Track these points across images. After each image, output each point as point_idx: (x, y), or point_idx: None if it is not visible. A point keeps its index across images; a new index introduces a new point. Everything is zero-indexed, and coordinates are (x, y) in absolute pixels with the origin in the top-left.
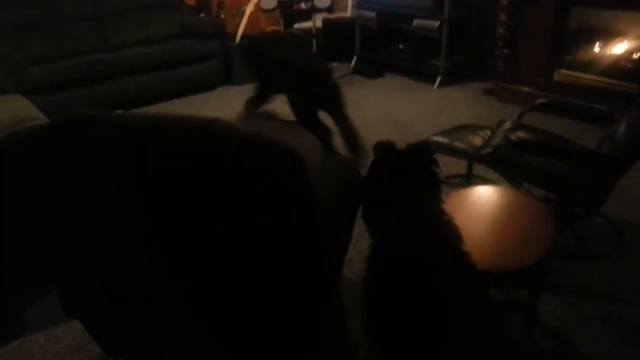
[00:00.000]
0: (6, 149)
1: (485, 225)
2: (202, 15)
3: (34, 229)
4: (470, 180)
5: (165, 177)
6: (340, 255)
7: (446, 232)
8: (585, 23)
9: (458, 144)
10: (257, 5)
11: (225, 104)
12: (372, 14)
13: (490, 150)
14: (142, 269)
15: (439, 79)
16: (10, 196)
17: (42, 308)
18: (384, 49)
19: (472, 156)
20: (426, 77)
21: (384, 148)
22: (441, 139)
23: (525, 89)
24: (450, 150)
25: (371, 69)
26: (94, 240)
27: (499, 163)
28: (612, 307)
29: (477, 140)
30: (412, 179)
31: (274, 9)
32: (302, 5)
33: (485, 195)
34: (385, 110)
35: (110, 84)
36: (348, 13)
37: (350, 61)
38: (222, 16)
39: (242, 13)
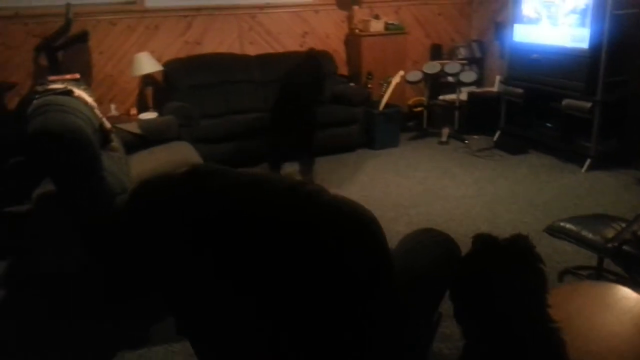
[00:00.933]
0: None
1: (584, 326)
2: (351, 84)
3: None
4: (600, 274)
5: (257, 231)
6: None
7: (550, 343)
8: None
9: (585, 233)
10: (403, 78)
11: (363, 165)
12: (520, 91)
13: (616, 244)
14: (235, 310)
15: (588, 161)
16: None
17: (166, 325)
18: (529, 125)
19: (597, 248)
20: (574, 158)
21: (484, 241)
22: (569, 226)
23: None
24: (576, 239)
25: (515, 144)
26: (196, 278)
27: (625, 259)
28: None
29: (609, 232)
30: (514, 278)
31: (419, 81)
32: (449, 79)
33: (600, 294)
34: (521, 188)
35: (264, 139)
36: (495, 87)
37: (493, 135)
38: (370, 86)
39: (389, 84)
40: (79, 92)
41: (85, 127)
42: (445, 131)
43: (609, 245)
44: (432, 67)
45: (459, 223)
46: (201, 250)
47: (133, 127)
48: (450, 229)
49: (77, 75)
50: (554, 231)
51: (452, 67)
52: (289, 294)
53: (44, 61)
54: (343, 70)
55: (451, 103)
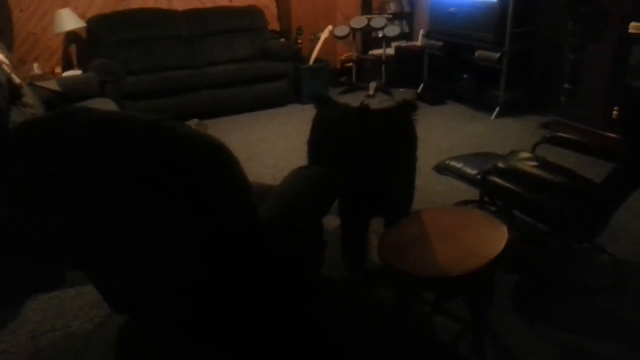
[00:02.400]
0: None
1: (437, 238)
2: (282, 40)
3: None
4: (482, 207)
5: (117, 164)
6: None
7: None
8: None
9: (465, 169)
10: (332, 33)
11: (291, 119)
12: (440, 44)
13: (480, 175)
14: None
15: (497, 109)
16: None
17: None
18: (449, 77)
19: (470, 180)
20: (486, 107)
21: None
22: (453, 163)
23: (582, 126)
24: (457, 175)
25: (435, 96)
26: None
27: (488, 188)
28: (578, 340)
29: (486, 167)
30: None
31: (347, 36)
32: (379, 35)
33: (447, 213)
34: (432, 136)
35: (193, 96)
36: (419, 42)
37: (417, 87)
38: (300, 41)
39: (318, 39)
40: None
41: None
42: (373, 85)
43: (478, 177)
44: (359, 22)
45: None
46: (64, 184)
47: (52, 85)
48: None
49: None
50: (440, 169)
51: (378, 21)
52: (149, 224)
53: None
54: (275, 26)
55: (379, 58)
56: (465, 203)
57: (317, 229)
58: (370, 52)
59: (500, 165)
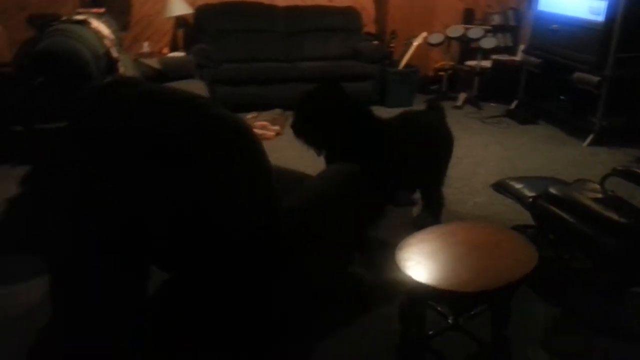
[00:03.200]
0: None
1: (460, 252)
2: (375, 42)
3: None
4: (539, 234)
5: (152, 135)
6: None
7: None
8: None
9: (522, 190)
10: (426, 39)
11: None
12: (538, 61)
13: (531, 198)
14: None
15: (591, 136)
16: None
17: None
18: (544, 96)
19: (523, 203)
20: (579, 132)
21: None
22: (512, 183)
23: None
24: (512, 195)
25: (526, 115)
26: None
27: (537, 213)
28: None
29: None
30: None
31: (440, 44)
32: (479, 44)
33: (478, 229)
34: (510, 154)
35: (280, 87)
36: (518, 57)
37: (511, 104)
38: (392, 45)
39: (410, 44)
40: (97, 24)
41: (84, 50)
42: (462, 96)
43: (529, 199)
44: (455, 30)
45: None
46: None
47: (153, 62)
48: None
49: (102, 10)
50: (499, 187)
51: (475, 32)
52: (173, 192)
53: None
54: (371, 28)
55: (474, 69)
56: (524, 227)
57: (347, 229)
58: (467, 63)
59: (553, 191)
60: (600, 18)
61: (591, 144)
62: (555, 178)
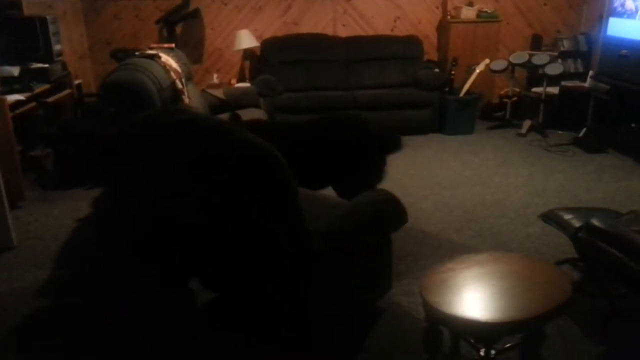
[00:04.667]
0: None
1: (489, 283)
2: (436, 70)
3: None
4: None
5: (187, 156)
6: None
7: None
8: None
9: (569, 221)
10: (488, 66)
11: (427, 148)
12: (607, 87)
13: (574, 230)
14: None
15: None
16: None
17: None
18: (615, 124)
19: (567, 234)
20: None
21: None
22: (562, 213)
23: None
24: (559, 225)
25: (594, 143)
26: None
27: (580, 246)
28: None
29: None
30: None
31: (503, 70)
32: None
33: (512, 259)
34: (573, 185)
35: None
36: (586, 83)
37: (579, 131)
38: (454, 72)
39: (473, 71)
40: (166, 57)
41: (149, 83)
42: (527, 123)
43: (572, 231)
44: (519, 57)
45: (486, 207)
46: (153, 167)
47: (218, 93)
48: (476, 211)
49: (172, 45)
50: (546, 217)
51: (540, 58)
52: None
53: (165, 32)
54: (433, 56)
55: (539, 95)
56: (573, 260)
57: (379, 253)
58: (533, 89)
59: (595, 223)
60: None
61: None
62: (608, 209)
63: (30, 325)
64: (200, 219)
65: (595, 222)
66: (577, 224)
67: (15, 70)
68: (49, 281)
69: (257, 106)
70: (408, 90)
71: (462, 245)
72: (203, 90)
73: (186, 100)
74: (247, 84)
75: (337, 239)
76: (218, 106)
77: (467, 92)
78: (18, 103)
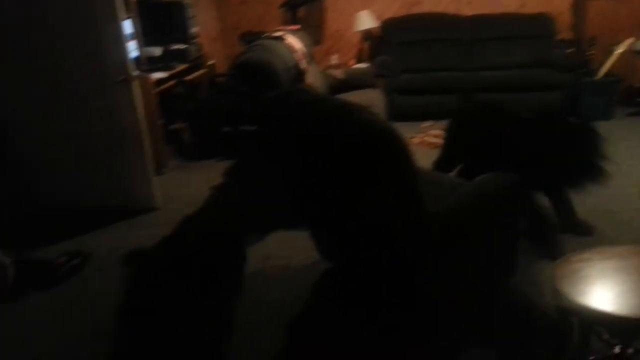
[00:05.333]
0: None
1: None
2: (569, 49)
3: None
4: None
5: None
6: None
7: None
8: None
9: None
10: (631, 46)
11: None
12: None
13: None
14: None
15: None
16: None
17: None
18: None
19: None
20: None
21: None
22: None
23: None
24: None
25: None
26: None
27: None
28: None
29: None
30: None
31: None
32: None
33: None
34: None
35: (458, 97)
36: None
37: None
38: (591, 52)
39: (612, 52)
40: (291, 39)
41: (276, 62)
42: None
43: None
44: None
45: (626, 198)
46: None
47: (338, 73)
48: (613, 203)
49: (297, 27)
50: None
51: None
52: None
53: (288, 15)
54: (568, 34)
55: None
56: None
57: (501, 238)
58: None
59: None
60: None
61: None
62: None
63: None
64: (323, 195)
65: None
66: None
67: (157, 51)
68: None
69: (374, 87)
70: (536, 71)
71: (598, 237)
72: (323, 71)
73: (308, 79)
74: (365, 65)
75: (455, 221)
76: (337, 86)
77: (606, 75)
78: (161, 80)
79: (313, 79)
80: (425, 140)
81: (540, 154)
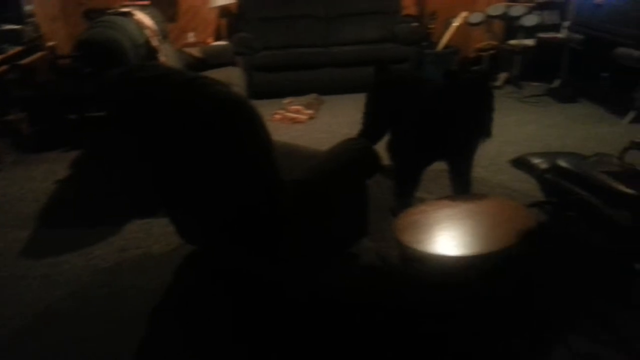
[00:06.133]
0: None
1: (455, 223)
2: (413, 24)
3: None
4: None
5: (162, 109)
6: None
7: None
8: None
9: (538, 164)
10: (465, 19)
11: None
12: (581, 37)
13: (540, 172)
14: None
15: (631, 113)
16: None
17: None
18: (586, 74)
19: (535, 175)
20: (621, 110)
21: None
22: (531, 158)
23: None
24: (527, 168)
25: (567, 93)
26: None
27: (547, 187)
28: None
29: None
30: None
31: (480, 23)
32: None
33: (474, 200)
34: (545, 133)
35: (316, 72)
36: (561, 34)
37: (553, 83)
38: (432, 26)
39: (450, 25)
40: (140, 15)
41: (123, 40)
42: (502, 76)
43: (540, 173)
44: (496, 9)
45: None
46: (133, 125)
47: (195, 51)
48: None
49: (147, 2)
50: (516, 163)
51: (516, 10)
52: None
53: None
54: (412, 10)
55: (515, 48)
56: (543, 203)
57: (355, 198)
58: (509, 42)
59: (561, 164)
60: None
61: (632, 121)
62: (574, 153)
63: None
64: (179, 166)
65: (561, 163)
66: (544, 166)
67: None
68: (30, 240)
69: (234, 64)
70: (387, 45)
71: (437, 195)
72: (179, 49)
73: (162, 58)
74: (223, 43)
75: (309, 188)
76: (195, 65)
77: (445, 46)
78: None
79: (167, 57)
80: (286, 116)
81: (456, 112)
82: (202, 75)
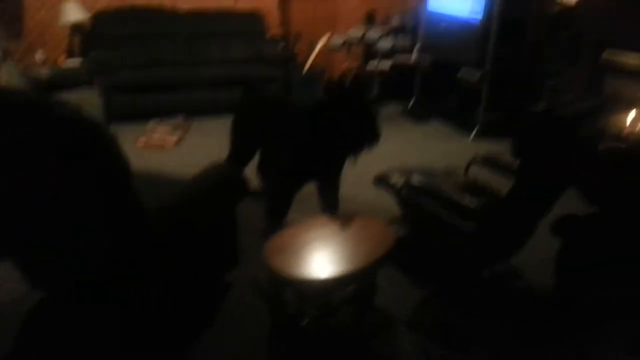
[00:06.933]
0: None
1: (320, 244)
2: (280, 45)
3: None
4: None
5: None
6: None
7: None
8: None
9: (395, 182)
10: (328, 41)
11: None
12: (430, 59)
13: (397, 190)
14: None
15: (475, 130)
16: None
17: None
18: (436, 94)
19: (393, 194)
20: (467, 127)
21: None
22: (390, 175)
23: None
24: (387, 187)
25: (422, 112)
26: None
27: (403, 203)
28: None
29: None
30: None
31: (340, 46)
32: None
33: (345, 221)
34: (404, 152)
35: (183, 93)
36: (412, 57)
37: (408, 103)
38: (298, 47)
39: (314, 47)
40: None
41: None
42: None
43: (396, 190)
44: (355, 32)
45: None
46: None
47: (42, 71)
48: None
49: None
50: (378, 182)
51: (372, 34)
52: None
53: None
54: (277, 31)
55: (372, 70)
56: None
57: (224, 225)
58: (368, 64)
59: (413, 181)
60: (479, 17)
61: (476, 137)
62: (426, 168)
63: None
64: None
65: (413, 180)
66: (400, 183)
67: None
68: None
69: (90, 85)
70: (253, 65)
71: (308, 215)
72: (24, 69)
73: (1, 79)
74: (77, 61)
75: (174, 215)
76: (43, 86)
77: (311, 68)
78: None
79: (8, 78)
80: (150, 141)
81: (327, 132)
82: (48, 98)
